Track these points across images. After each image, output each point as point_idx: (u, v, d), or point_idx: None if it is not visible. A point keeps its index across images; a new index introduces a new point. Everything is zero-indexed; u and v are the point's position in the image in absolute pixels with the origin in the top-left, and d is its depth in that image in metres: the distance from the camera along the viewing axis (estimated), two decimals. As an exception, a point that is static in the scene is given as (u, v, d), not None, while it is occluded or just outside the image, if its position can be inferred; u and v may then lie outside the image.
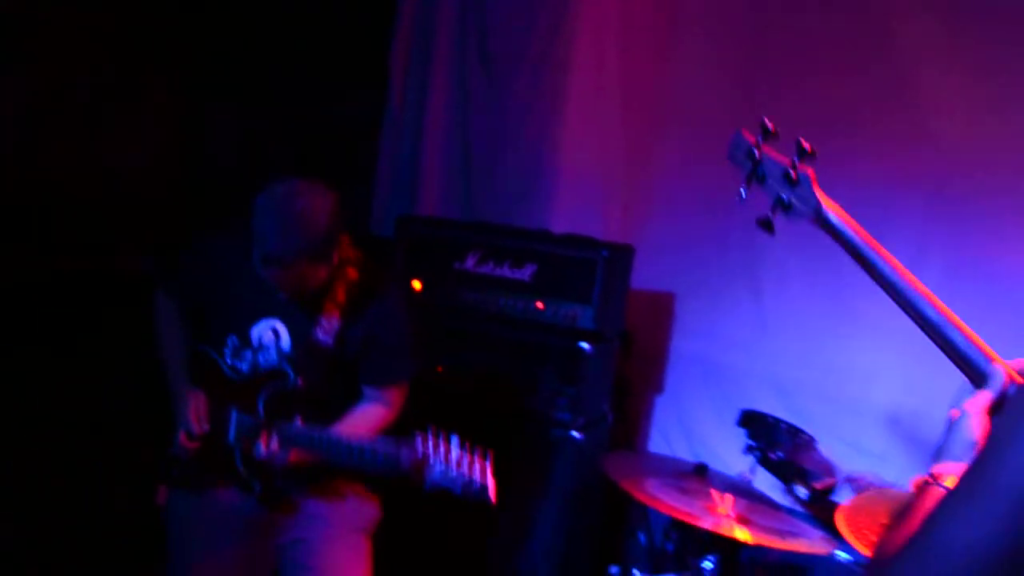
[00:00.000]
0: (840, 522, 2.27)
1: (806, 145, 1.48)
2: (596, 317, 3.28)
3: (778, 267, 3.57)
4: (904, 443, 3.24)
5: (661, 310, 3.87)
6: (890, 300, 1.41)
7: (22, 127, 3.43)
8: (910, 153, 3.30)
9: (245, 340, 2.47)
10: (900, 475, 3.03)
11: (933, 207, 3.27)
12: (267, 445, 2.33)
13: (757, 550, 2.91)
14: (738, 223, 3.54)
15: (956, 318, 1.35)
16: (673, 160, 3.82)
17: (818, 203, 1.48)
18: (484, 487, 2.17)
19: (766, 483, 3.15)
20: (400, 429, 2.38)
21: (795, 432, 3.13)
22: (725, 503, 2.72)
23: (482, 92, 4.11)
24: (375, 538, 2.59)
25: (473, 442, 2.23)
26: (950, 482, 1.12)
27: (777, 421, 3.15)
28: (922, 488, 1.16)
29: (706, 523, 2.60)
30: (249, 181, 2.33)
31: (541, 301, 3.33)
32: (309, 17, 4.13)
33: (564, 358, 3.29)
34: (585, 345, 3.27)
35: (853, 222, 1.46)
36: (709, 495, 2.76)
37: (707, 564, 2.86)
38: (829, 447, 3.19)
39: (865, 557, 2.40)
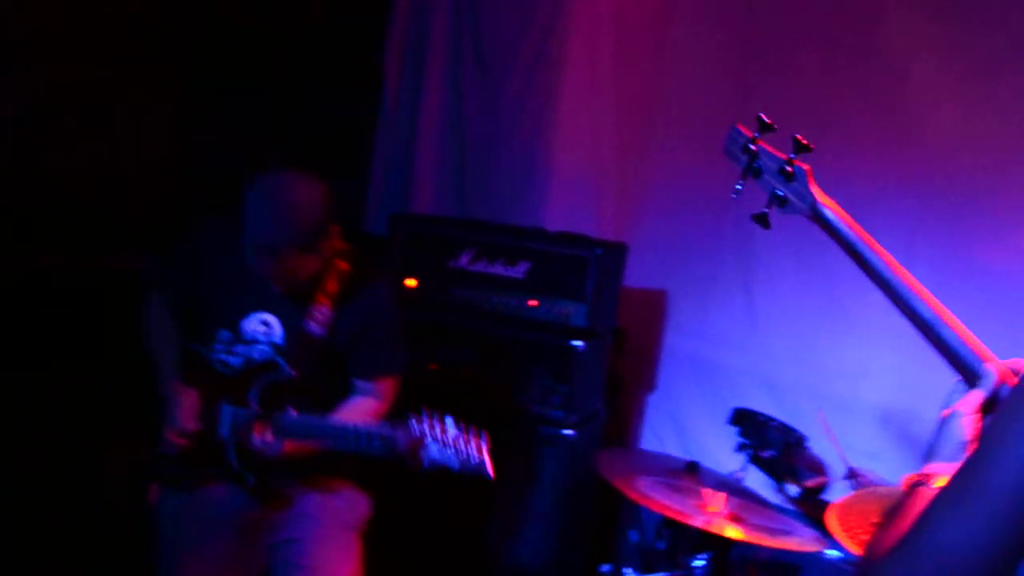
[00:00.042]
0: (831, 520, 2.28)
1: (803, 141, 1.48)
2: (589, 315, 3.29)
3: (770, 265, 3.58)
4: (896, 442, 3.25)
5: (654, 308, 3.88)
6: (882, 298, 1.40)
7: (22, 127, 3.42)
8: (903, 151, 3.32)
9: (236, 334, 2.47)
10: (891, 474, 3.04)
11: (924, 205, 3.28)
12: (261, 436, 2.34)
13: (748, 548, 2.91)
14: (731, 222, 3.58)
15: (950, 316, 1.34)
16: (666, 159, 3.83)
17: (814, 199, 1.47)
18: (482, 462, 2.19)
19: (758, 481, 3.16)
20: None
21: (787, 430, 3.13)
22: (717, 501, 2.72)
23: (476, 91, 4.12)
24: (366, 535, 2.58)
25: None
26: (941, 482, 1.12)
27: (769, 419, 3.15)
28: (913, 488, 1.16)
29: (697, 521, 2.60)
30: (246, 181, 2.33)
31: (534, 299, 3.33)
32: (305, 17, 4.12)
33: (557, 356, 3.29)
34: (578, 343, 3.28)
35: (848, 218, 1.45)
36: (701, 493, 2.76)
37: (698, 562, 2.87)
38: (819, 446, 3.20)
39: (855, 555, 2.41)
